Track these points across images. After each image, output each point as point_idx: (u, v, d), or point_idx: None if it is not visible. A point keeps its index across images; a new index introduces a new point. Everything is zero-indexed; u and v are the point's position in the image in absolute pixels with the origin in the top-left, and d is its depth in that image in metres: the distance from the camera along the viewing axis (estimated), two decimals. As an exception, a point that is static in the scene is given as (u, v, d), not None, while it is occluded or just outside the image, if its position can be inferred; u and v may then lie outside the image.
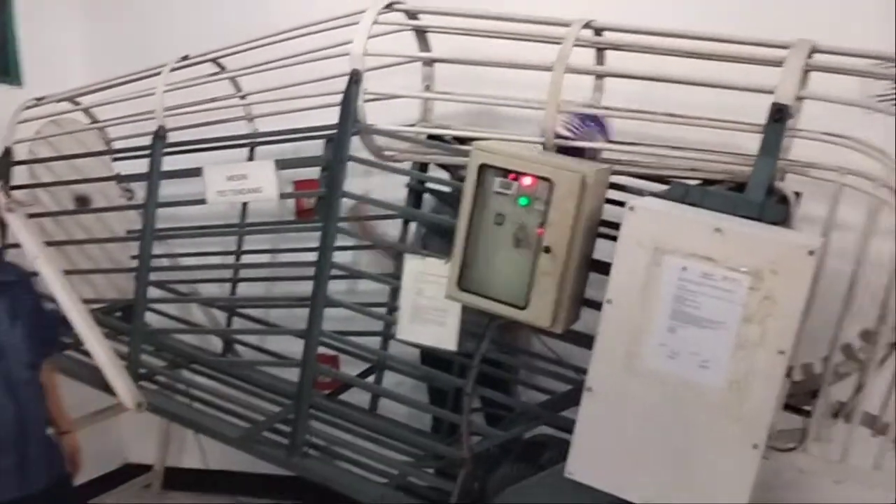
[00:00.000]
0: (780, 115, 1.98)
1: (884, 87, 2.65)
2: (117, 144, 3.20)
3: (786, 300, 1.82)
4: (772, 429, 1.93)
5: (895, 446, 2.17)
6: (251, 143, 3.01)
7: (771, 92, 2.01)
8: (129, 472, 4.01)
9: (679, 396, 1.94)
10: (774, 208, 2.00)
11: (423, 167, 2.88)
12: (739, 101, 2.08)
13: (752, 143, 2.07)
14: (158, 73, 2.87)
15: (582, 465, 2.07)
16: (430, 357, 2.75)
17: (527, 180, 2.11)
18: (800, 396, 2.14)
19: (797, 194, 2.14)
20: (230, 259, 3.32)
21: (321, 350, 2.70)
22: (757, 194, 2.00)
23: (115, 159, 3.12)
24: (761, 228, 1.91)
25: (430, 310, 2.38)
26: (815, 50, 2.06)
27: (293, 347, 2.78)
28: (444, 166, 2.85)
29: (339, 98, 2.49)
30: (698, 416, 1.93)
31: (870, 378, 2.09)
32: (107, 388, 2.87)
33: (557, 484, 2.18)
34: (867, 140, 2.07)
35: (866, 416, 2.17)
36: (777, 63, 2.04)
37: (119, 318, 3.15)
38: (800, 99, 2.03)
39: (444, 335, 2.39)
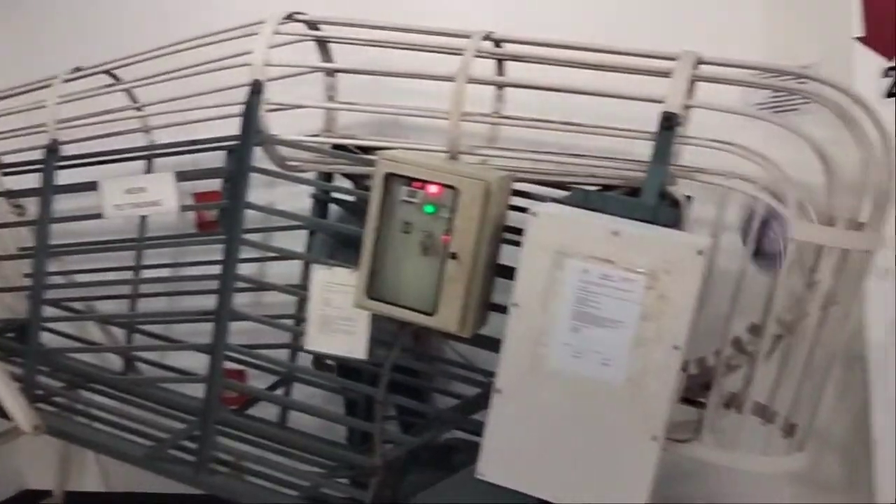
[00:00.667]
0: (669, 123, 2.09)
1: (764, 96, 2.82)
2: (6, 159, 3.07)
3: (679, 298, 1.92)
4: (669, 421, 2.03)
5: (783, 434, 2.31)
6: (149, 155, 2.94)
7: (661, 101, 2.11)
8: (27, 498, 3.83)
9: (583, 394, 2.01)
10: (667, 211, 2.10)
11: (328, 177, 2.88)
12: (634, 109, 2.17)
13: (646, 150, 2.17)
14: (49, 86, 2.78)
15: (492, 466, 2.11)
16: (345, 367, 2.75)
17: (432, 188, 2.15)
18: (695, 389, 2.24)
19: (688, 198, 2.25)
20: (129, 275, 3.22)
21: (227, 365, 2.66)
22: (650, 198, 2.09)
23: (5, 174, 3.00)
24: (655, 231, 2.01)
25: (338, 319, 2.39)
26: (700, 61, 2.18)
27: (198, 363, 2.73)
28: (349, 176, 2.85)
29: (239, 109, 2.48)
30: (601, 412, 2.01)
31: (758, 369, 2.22)
32: (1, 411, 2.75)
33: (469, 486, 2.21)
34: (750, 146, 2.20)
35: (756, 406, 2.30)
36: (666, 74, 2.14)
37: (12, 338, 3.01)
38: (687, 107, 2.14)
39: (354, 344, 2.40)
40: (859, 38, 2.69)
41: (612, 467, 2.01)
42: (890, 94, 2.64)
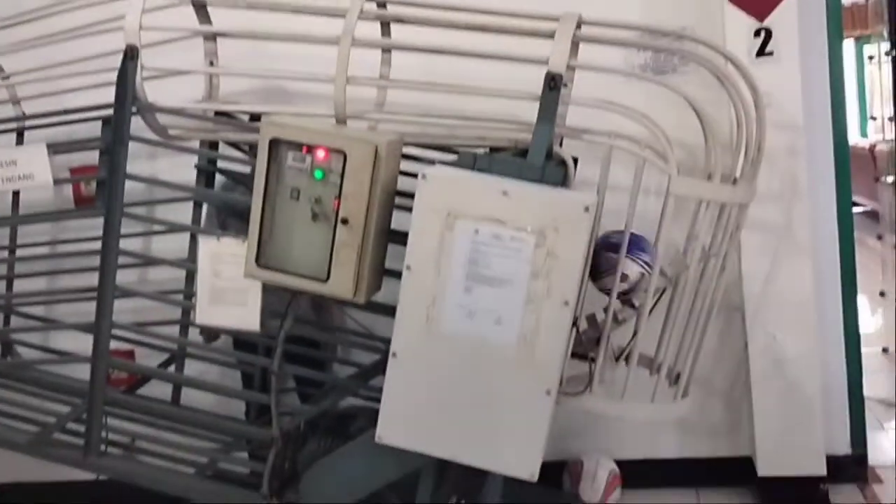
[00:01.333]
0: (553, 84, 2.11)
1: (645, 58, 2.90)
2: None
3: (567, 255, 1.97)
4: (562, 375, 2.08)
5: (669, 382, 2.41)
6: (18, 127, 2.78)
7: (545, 62, 2.14)
8: None
9: (477, 353, 2.04)
10: (554, 171, 2.13)
11: (213, 147, 2.79)
12: (522, 73, 2.19)
13: (532, 113, 2.19)
14: None
15: (391, 429, 2.12)
16: (243, 341, 2.70)
17: (320, 153, 2.12)
18: (585, 344, 2.31)
19: (575, 160, 2.30)
20: (3, 254, 3.05)
21: (115, 345, 2.57)
22: (538, 159, 2.12)
23: None
24: (543, 190, 2.04)
25: (229, 291, 2.33)
26: (581, 22, 2.21)
27: (85, 345, 2.63)
28: (236, 146, 2.78)
29: (114, 76, 2.37)
30: (495, 369, 2.04)
31: (644, 323, 2.29)
32: None
33: (367, 451, 2.22)
34: (633, 106, 2.25)
35: (643, 358, 2.39)
36: (549, 35, 2.17)
37: None
38: (571, 68, 2.17)
39: (247, 316, 2.35)
40: (731, 0, 2.80)
41: (509, 422, 2.05)
42: (760, 54, 2.76)
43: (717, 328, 2.97)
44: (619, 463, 3.09)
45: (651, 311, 2.28)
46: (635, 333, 2.30)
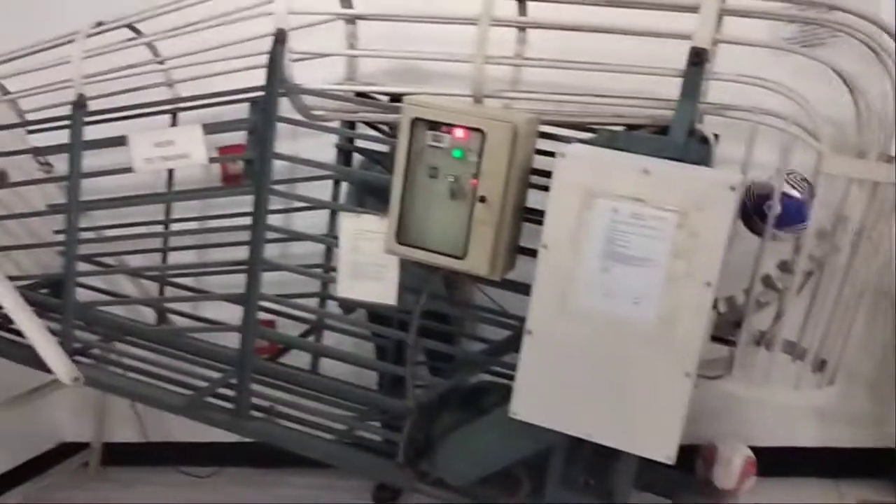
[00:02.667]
0: (698, 59, 2.06)
1: (792, 31, 2.78)
2: (31, 117, 3.08)
3: (710, 235, 1.93)
4: (701, 358, 2.04)
5: (812, 369, 2.32)
6: (174, 108, 2.95)
7: (688, 37, 2.09)
8: (65, 451, 3.93)
9: (614, 332, 2.03)
10: (696, 149, 2.09)
11: (351, 127, 2.88)
12: (659, 48, 2.15)
13: (671, 90, 2.15)
14: (72, 41, 2.78)
15: (525, 405, 2.15)
16: (376, 315, 2.79)
17: (459, 132, 2.15)
18: (725, 327, 2.26)
19: (716, 136, 2.24)
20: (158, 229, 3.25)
21: (259, 314, 2.70)
22: (679, 136, 2.08)
23: (31, 131, 3.01)
24: (686, 168, 2.00)
25: (368, 266, 2.41)
26: (727, -5, 2.14)
27: (227, 314, 2.77)
28: (372, 126, 2.85)
29: (262, 59, 2.47)
30: (633, 349, 2.03)
31: (787, 307, 2.22)
32: (40, 365, 2.81)
33: (500, 426, 2.26)
34: (778, 81, 2.17)
35: (786, 343, 2.32)
36: (693, 9, 2.11)
37: (46, 294, 3.07)
38: (716, 43, 2.11)
39: (384, 290, 2.43)
40: (887, -33, 2.63)
41: (645, 404, 2.04)
42: (919, 23, 2.59)
43: (863, 312, 2.83)
44: (755, 450, 3.00)
45: (797, 294, 2.21)
46: (778, 317, 2.23)
